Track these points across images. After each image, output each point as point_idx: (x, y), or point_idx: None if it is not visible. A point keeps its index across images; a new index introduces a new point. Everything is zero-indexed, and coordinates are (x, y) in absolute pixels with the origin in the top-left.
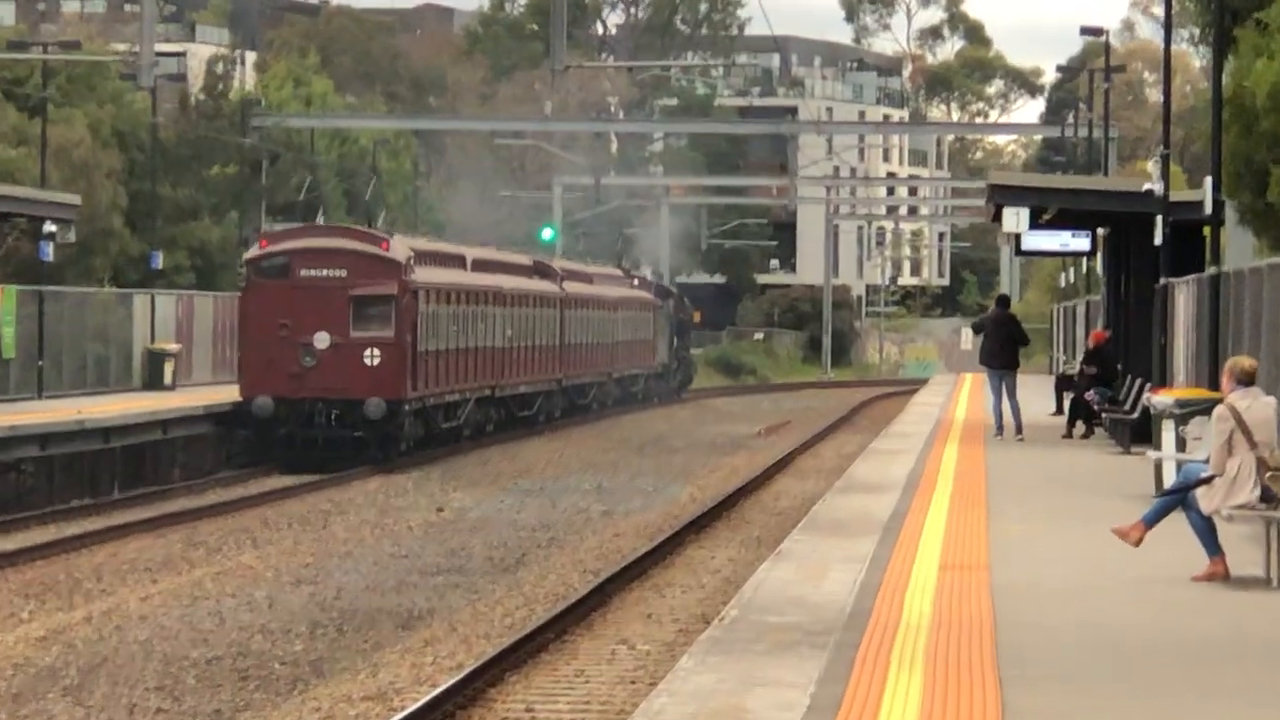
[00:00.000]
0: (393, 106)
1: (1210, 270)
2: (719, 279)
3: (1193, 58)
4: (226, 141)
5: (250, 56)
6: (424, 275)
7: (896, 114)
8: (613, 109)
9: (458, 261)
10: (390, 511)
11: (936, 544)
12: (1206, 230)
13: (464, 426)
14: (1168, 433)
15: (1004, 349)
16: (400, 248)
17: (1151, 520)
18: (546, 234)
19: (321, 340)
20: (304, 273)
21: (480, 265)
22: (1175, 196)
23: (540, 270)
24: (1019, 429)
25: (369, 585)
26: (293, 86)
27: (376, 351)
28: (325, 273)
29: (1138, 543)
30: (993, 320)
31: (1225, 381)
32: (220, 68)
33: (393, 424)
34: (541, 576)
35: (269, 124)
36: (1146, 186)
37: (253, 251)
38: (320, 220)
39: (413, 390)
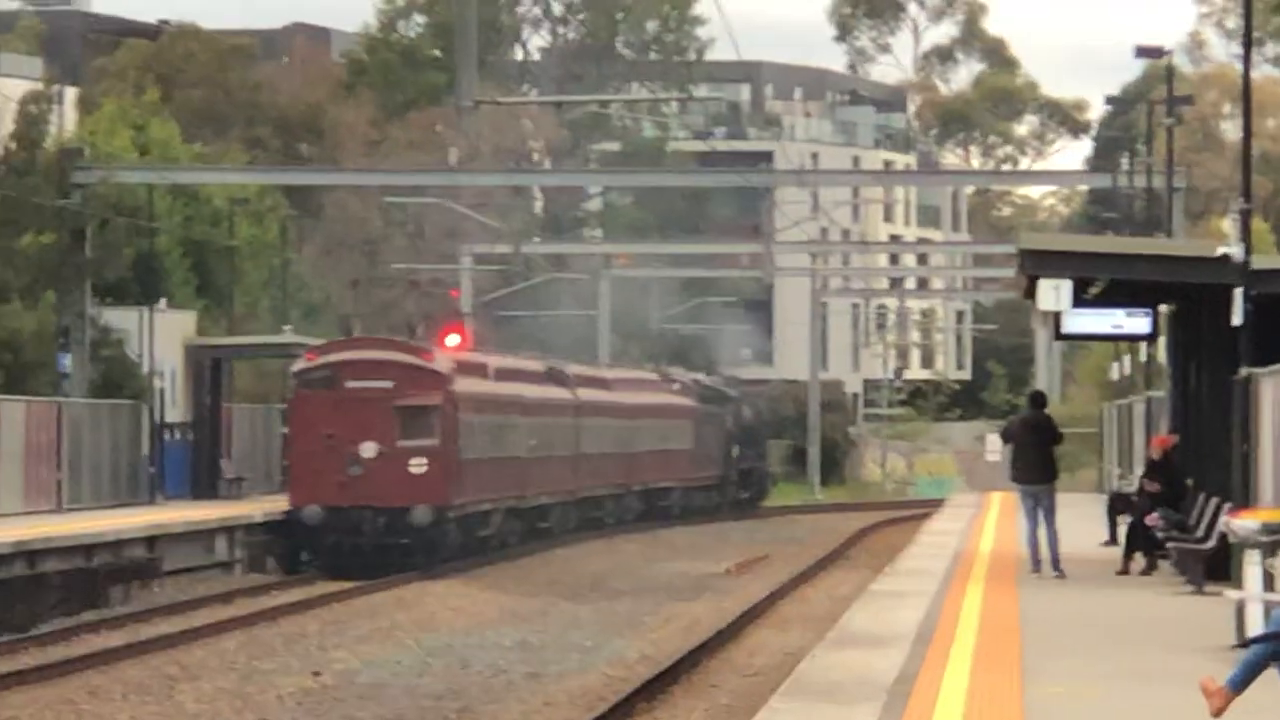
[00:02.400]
0: (254, 156)
1: None
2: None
3: None
4: (42, 203)
5: (72, 93)
6: (463, 385)
7: (900, 160)
8: (537, 156)
9: (482, 370)
10: (254, 676)
11: (957, 713)
12: None
13: (494, 536)
14: (1253, 566)
15: (1038, 460)
16: (443, 360)
17: (1239, 683)
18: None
19: (368, 449)
20: (350, 384)
21: (501, 374)
22: (1259, 263)
23: (554, 377)
24: (1055, 563)
25: None
26: (126, 131)
27: (422, 460)
28: (372, 384)
29: (1218, 712)
30: (1023, 424)
31: None
32: (36, 109)
33: (438, 531)
34: None
35: (95, 180)
36: (1222, 250)
37: (299, 364)
38: (356, 332)
39: (456, 498)
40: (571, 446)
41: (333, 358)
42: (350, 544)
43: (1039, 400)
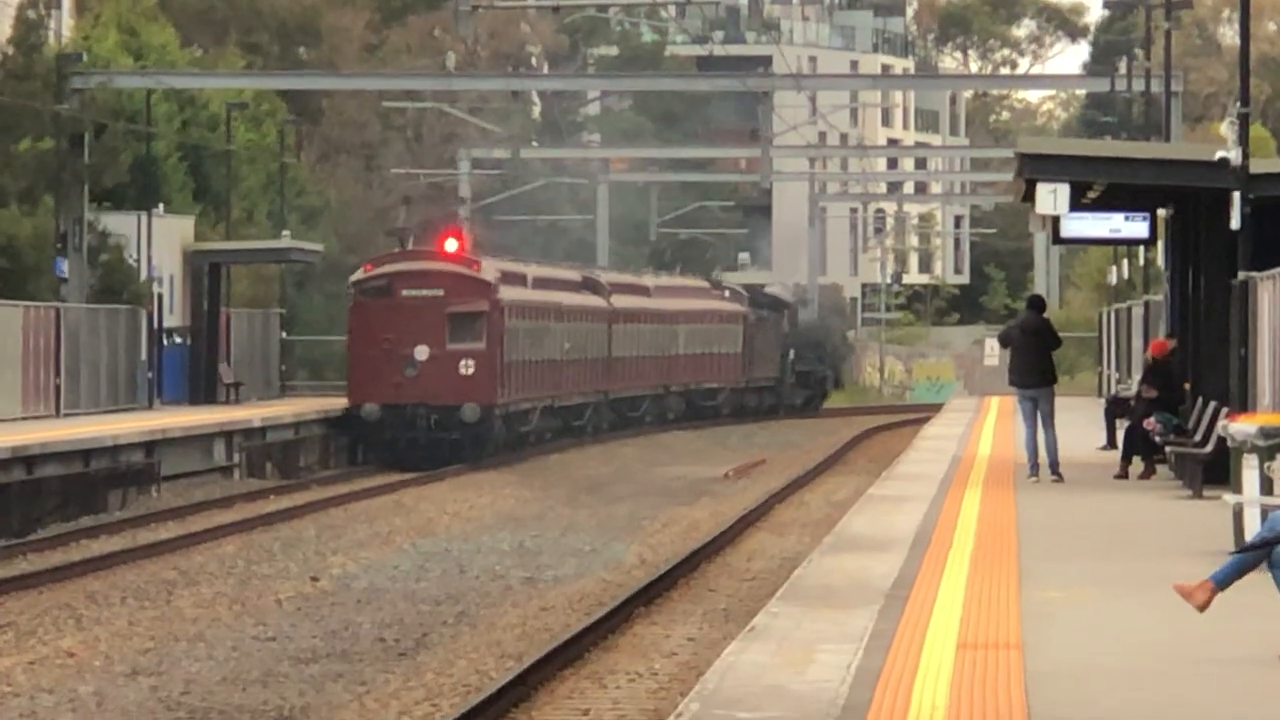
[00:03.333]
0: (252, 61)
1: None
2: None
3: None
4: (39, 109)
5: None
6: (507, 294)
7: (899, 65)
8: (535, 61)
9: (522, 279)
10: (252, 581)
11: (954, 617)
12: None
13: (532, 432)
14: (1250, 470)
15: (1036, 364)
16: (490, 269)
17: (1224, 580)
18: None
19: (421, 352)
20: (405, 292)
21: (539, 282)
22: (1257, 167)
23: (589, 285)
24: (1054, 467)
25: (226, 676)
26: (122, 36)
27: (470, 362)
28: (424, 292)
29: (1203, 606)
30: (1022, 328)
31: None
32: (34, 13)
33: (484, 427)
34: (448, 663)
35: (92, 85)
36: (1220, 154)
37: (358, 275)
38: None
39: (501, 397)
40: (604, 350)
41: (388, 268)
42: (405, 439)
43: (1036, 304)
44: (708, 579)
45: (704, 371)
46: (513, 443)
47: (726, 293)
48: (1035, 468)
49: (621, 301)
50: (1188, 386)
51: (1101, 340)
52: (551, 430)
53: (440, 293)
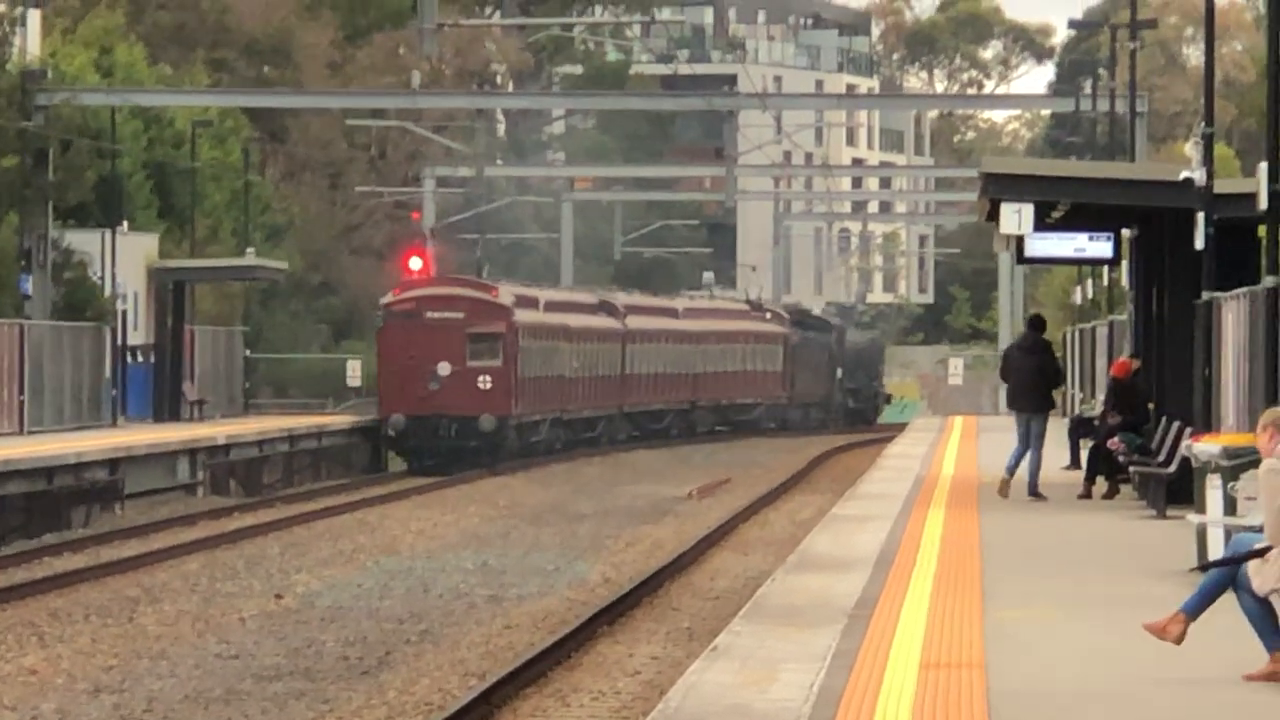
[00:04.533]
0: (217, 78)
1: (1268, 281)
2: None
3: (1245, 9)
4: (4, 125)
5: (35, 16)
6: (522, 316)
7: (864, 84)
8: (500, 80)
9: (534, 303)
10: (215, 599)
11: (917, 637)
12: (1262, 230)
13: (543, 442)
14: (1213, 491)
15: (1033, 386)
16: (507, 294)
17: (1194, 608)
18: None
19: (444, 368)
20: (430, 314)
21: (551, 305)
22: (1221, 187)
23: (604, 308)
24: (1033, 488)
25: (189, 694)
26: (83, 51)
27: (488, 378)
28: (447, 314)
29: (1179, 639)
30: (1019, 348)
31: (1264, 439)
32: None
33: (500, 436)
34: (411, 681)
35: (58, 102)
36: (1185, 174)
37: (388, 298)
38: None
39: (515, 409)
40: (616, 367)
41: (415, 293)
42: (429, 446)
43: (1036, 324)
44: (671, 598)
45: (738, 388)
46: (526, 451)
47: (768, 314)
48: (1008, 478)
49: (638, 322)
50: (1151, 406)
51: (1066, 360)
52: (561, 440)
53: (461, 315)
